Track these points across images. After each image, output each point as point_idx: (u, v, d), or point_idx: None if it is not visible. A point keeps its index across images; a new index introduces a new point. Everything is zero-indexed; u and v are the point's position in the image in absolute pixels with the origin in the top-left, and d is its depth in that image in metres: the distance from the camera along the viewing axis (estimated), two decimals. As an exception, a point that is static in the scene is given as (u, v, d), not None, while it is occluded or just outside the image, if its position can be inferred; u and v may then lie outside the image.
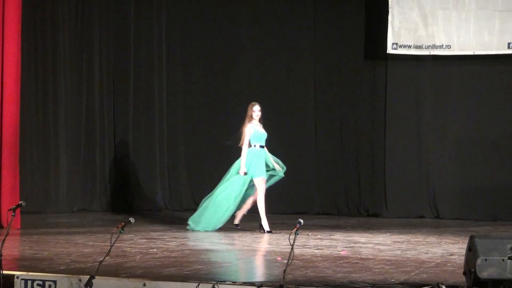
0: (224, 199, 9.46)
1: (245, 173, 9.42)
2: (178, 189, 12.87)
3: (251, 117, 9.63)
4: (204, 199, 9.72)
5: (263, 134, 9.67)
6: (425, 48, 11.51)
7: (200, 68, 12.85)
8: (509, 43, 11.13)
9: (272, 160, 9.66)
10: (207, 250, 7.77)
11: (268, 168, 9.60)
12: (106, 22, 12.61)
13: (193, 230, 9.48)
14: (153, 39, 12.86)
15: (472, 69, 11.53)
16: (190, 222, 9.65)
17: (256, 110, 9.65)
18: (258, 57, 12.60)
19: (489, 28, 11.16)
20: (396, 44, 11.61)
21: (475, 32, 11.23)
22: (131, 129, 12.84)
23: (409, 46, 11.59)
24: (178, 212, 12.42)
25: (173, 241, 8.52)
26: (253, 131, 9.57)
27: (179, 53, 12.91)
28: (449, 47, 11.36)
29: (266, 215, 9.47)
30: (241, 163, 9.45)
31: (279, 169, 9.61)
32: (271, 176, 9.67)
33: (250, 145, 9.56)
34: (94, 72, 12.53)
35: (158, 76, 12.89)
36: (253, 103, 9.70)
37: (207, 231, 9.41)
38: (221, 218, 9.49)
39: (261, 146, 9.64)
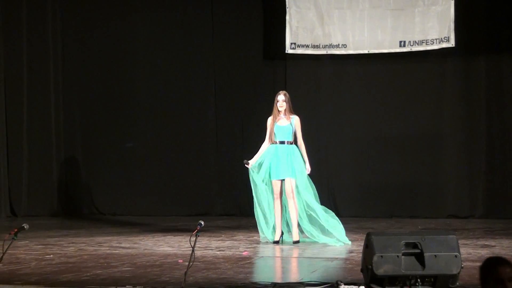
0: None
1: (246, 166, 8.74)
2: (76, 193, 12.58)
3: (277, 110, 8.62)
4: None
5: (283, 128, 8.60)
6: (322, 48, 11.64)
7: (97, 68, 12.59)
8: (400, 41, 11.38)
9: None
10: (107, 254, 7.60)
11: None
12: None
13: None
14: (48, 37, 12.49)
15: (367, 67, 11.72)
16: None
17: (280, 100, 8.63)
18: (156, 57, 12.45)
19: (382, 26, 11.38)
20: (295, 44, 11.70)
21: (369, 31, 11.42)
22: (26, 131, 12.43)
23: (307, 46, 11.69)
24: (76, 217, 12.14)
25: (71, 246, 8.30)
26: (273, 125, 8.58)
27: (75, 53, 12.62)
28: (345, 46, 11.53)
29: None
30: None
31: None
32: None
33: (273, 141, 8.61)
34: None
35: (54, 76, 12.53)
36: (279, 92, 8.77)
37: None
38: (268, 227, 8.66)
39: (281, 142, 8.62)
